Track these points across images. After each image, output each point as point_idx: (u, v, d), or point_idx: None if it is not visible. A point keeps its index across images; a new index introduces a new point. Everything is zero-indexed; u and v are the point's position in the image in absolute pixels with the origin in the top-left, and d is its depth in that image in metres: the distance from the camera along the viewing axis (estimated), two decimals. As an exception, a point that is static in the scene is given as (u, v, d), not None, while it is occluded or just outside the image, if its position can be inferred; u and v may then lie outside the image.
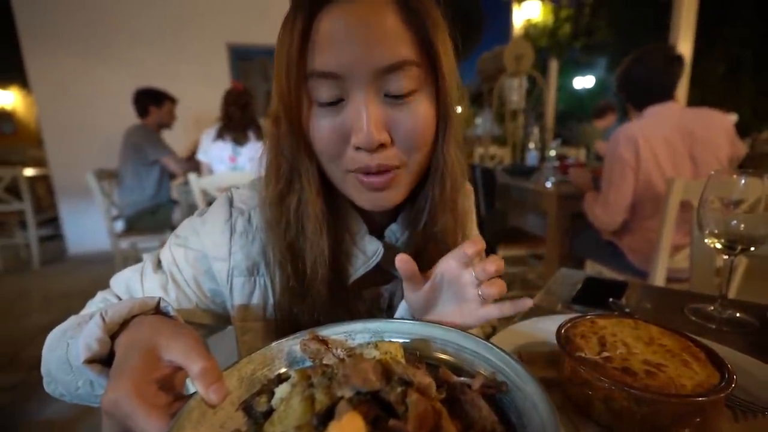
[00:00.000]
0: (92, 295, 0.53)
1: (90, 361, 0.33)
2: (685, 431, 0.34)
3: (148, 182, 2.60)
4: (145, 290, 0.50)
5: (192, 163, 2.58)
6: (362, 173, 0.43)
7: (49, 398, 1.78)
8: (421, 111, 0.43)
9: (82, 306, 0.52)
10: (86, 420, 1.53)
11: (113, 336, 0.35)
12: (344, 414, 0.23)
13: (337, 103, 0.41)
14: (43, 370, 0.44)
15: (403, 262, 0.42)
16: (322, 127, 0.42)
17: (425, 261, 0.50)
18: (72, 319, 0.45)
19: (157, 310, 0.39)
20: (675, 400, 0.33)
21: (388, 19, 0.40)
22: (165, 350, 0.31)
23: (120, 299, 0.50)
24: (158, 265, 0.52)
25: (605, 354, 0.40)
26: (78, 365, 0.34)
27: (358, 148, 0.42)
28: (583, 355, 0.40)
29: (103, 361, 0.34)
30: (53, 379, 0.43)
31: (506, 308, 0.42)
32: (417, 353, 0.35)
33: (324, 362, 0.33)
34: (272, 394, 0.29)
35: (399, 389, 0.26)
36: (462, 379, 0.30)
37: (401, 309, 0.48)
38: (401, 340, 0.36)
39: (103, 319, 0.34)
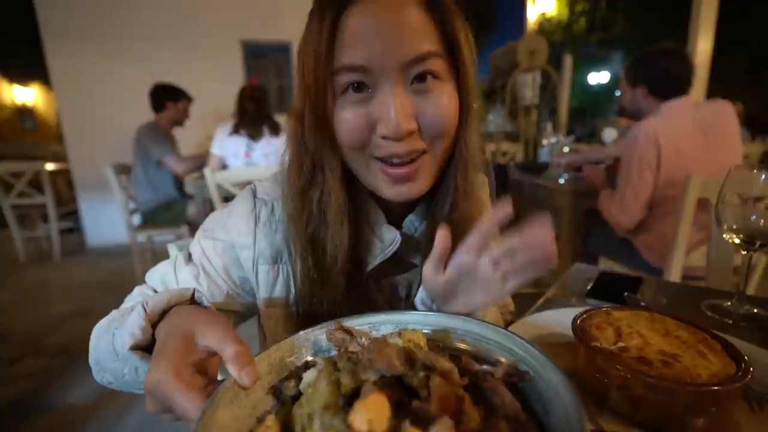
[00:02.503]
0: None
1: (134, 348, 0.36)
2: (701, 420, 0.35)
3: (158, 180, 2.63)
4: (179, 281, 0.52)
5: (195, 162, 2.59)
6: (388, 164, 0.45)
7: (70, 385, 1.83)
8: (444, 99, 0.44)
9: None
10: (105, 405, 1.59)
11: (154, 324, 0.37)
12: (370, 394, 0.24)
13: (363, 94, 0.43)
14: (92, 361, 0.47)
15: (442, 236, 0.42)
16: (347, 117, 0.44)
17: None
18: (114, 313, 0.48)
19: (192, 300, 0.41)
20: (690, 389, 0.34)
21: (412, 14, 0.41)
22: (201, 336, 0.33)
23: (156, 292, 0.53)
24: (189, 258, 0.54)
25: (621, 344, 0.40)
26: (124, 352, 0.37)
27: (384, 137, 0.43)
28: (598, 345, 0.40)
29: (146, 347, 0.37)
30: (101, 368, 0.45)
31: (527, 273, 0.40)
32: (439, 344, 0.36)
33: (349, 350, 0.34)
34: (300, 379, 0.30)
35: (422, 374, 0.26)
36: (484, 367, 0.30)
37: (420, 294, 0.48)
38: (423, 330, 0.37)
39: (145, 309, 0.37)
